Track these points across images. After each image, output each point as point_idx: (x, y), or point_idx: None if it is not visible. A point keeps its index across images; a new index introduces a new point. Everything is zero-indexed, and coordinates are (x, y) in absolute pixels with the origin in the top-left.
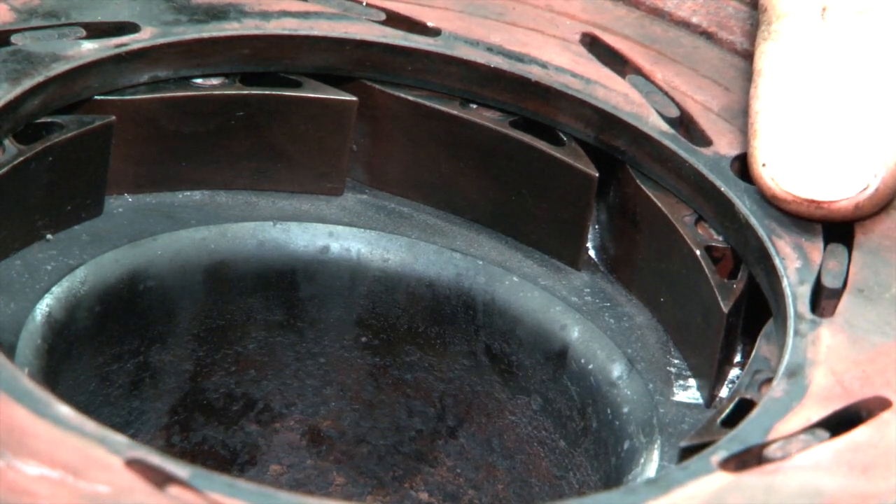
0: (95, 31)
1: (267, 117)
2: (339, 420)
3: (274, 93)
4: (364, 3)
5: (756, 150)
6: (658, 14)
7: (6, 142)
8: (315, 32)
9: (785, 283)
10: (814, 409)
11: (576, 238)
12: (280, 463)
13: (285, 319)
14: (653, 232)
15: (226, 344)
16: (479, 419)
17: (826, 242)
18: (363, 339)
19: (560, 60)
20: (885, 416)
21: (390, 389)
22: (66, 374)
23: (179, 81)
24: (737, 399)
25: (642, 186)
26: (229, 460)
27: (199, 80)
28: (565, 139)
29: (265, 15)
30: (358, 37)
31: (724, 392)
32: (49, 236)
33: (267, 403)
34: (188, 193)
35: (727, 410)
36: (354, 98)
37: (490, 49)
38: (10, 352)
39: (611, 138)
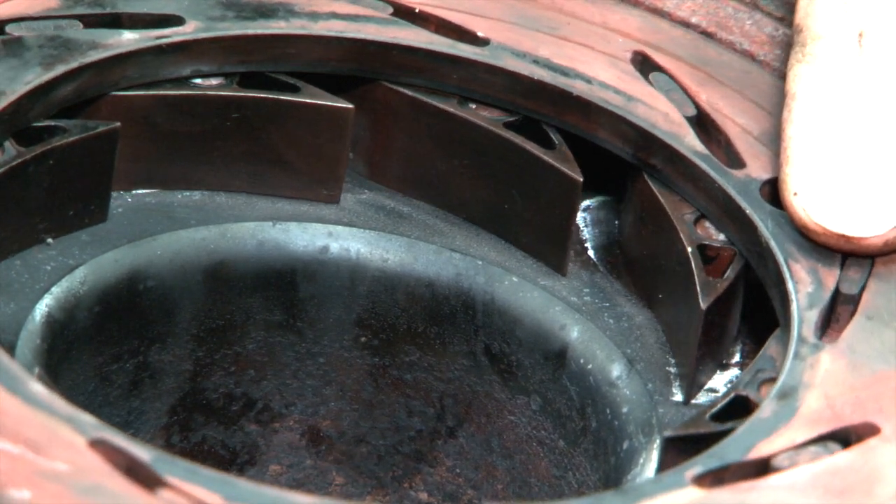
0: (140, 22)
1: (262, 121)
2: (338, 420)
3: (269, 96)
4: (417, 10)
5: (788, 178)
6: (658, 14)
7: (6, 143)
8: (361, 36)
9: (794, 306)
10: (800, 431)
11: (561, 243)
12: (280, 463)
13: (285, 319)
14: (654, 230)
15: (225, 344)
16: (478, 419)
17: (843, 266)
18: (363, 339)
19: (605, 76)
20: (872, 441)
21: (390, 389)
22: (65, 374)
23: (177, 80)
24: (733, 395)
25: (650, 184)
26: (229, 460)
27: (197, 80)
28: (556, 142)
29: (314, 16)
30: (405, 42)
31: (704, 393)
32: (49, 240)
33: (266, 403)
34: (188, 193)
35: (720, 405)
36: (350, 106)
37: (536, 61)
38: (10, 352)
39: (647, 156)
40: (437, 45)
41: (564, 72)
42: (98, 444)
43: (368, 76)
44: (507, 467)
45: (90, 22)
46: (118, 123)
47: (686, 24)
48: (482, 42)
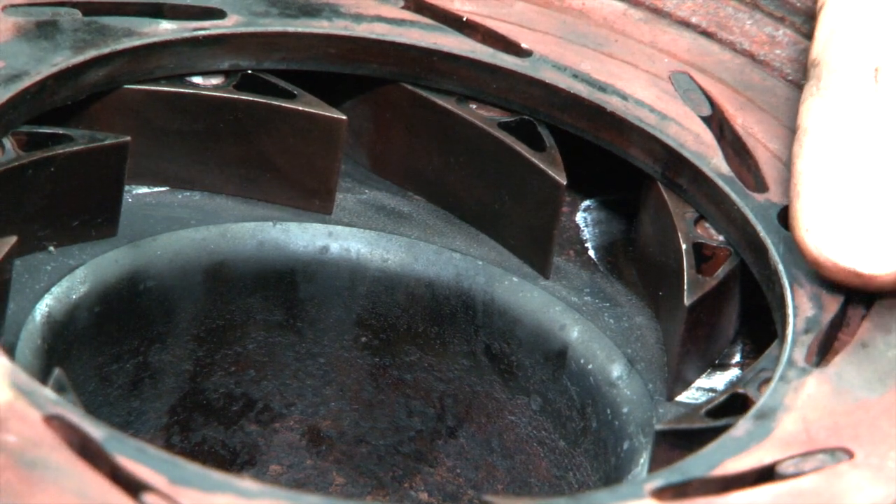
0: (182, 13)
1: (256, 125)
2: (338, 420)
3: (262, 101)
4: (465, 19)
5: (799, 213)
6: (658, 14)
7: (7, 145)
8: (403, 40)
9: (790, 329)
10: (769, 452)
11: (545, 245)
12: (280, 463)
13: (285, 319)
14: (659, 228)
15: (225, 344)
16: (478, 419)
17: (847, 297)
18: (363, 339)
19: (643, 95)
20: (841, 467)
21: (390, 389)
22: (65, 375)
23: (175, 78)
24: (731, 392)
25: (657, 183)
26: (229, 460)
27: (196, 80)
28: (548, 144)
29: (358, 17)
30: (445, 49)
31: (692, 390)
32: (52, 248)
33: (266, 403)
34: (188, 194)
35: (717, 401)
36: (343, 117)
37: (576, 76)
38: (10, 352)
39: (675, 175)
40: (477, 53)
41: (602, 87)
42: (53, 420)
43: (406, 81)
44: (508, 467)
45: (131, 10)
46: (128, 137)
47: (686, 24)
48: (525, 53)
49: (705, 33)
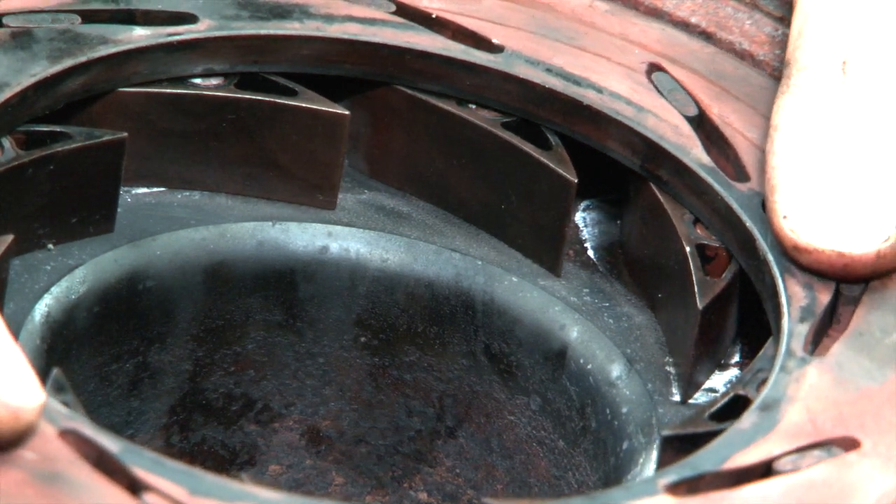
0: (154, 19)
1: (258, 123)
2: (338, 420)
3: (265, 99)
4: (434, 16)
5: (776, 205)
6: (657, 14)
7: (6, 144)
8: (376, 39)
9: (785, 319)
10: (777, 444)
11: (555, 244)
12: (279, 463)
13: (284, 319)
14: (655, 229)
15: (225, 344)
16: (478, 419)
17: (839, 284)
18: (362, 339)
19: (618, 87)
20: (850, 456)
21: (389, 389)
22: (65, 375)
23: (177, 79)
24: (731, 394)
25: (651, 185)
26: (228, 460)
27: (197, 80)
28: (553, 143)
29: (329, 18)
30: (419, 47)
31: (700, 392)
32: (51, 246)
33: (266, 403)
34: (188, 194)
35: (719, 404)
36: (346, 112)
37: (549, 70)
38: None
39: (655, 167)
40: (450, 50)
41: (577, 81)
42: (68, 434)
43: (380, 80)
44: (507, 467)
45: (102, 17)
46: (125, 134)
47: (686, 24)
48: (497, 49)
49: (704, 33)
